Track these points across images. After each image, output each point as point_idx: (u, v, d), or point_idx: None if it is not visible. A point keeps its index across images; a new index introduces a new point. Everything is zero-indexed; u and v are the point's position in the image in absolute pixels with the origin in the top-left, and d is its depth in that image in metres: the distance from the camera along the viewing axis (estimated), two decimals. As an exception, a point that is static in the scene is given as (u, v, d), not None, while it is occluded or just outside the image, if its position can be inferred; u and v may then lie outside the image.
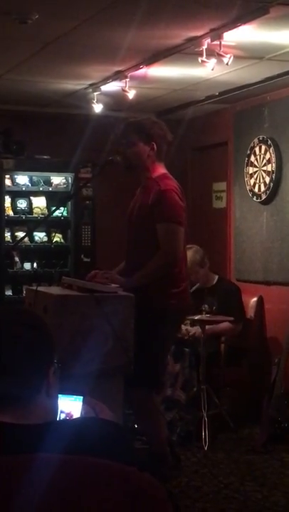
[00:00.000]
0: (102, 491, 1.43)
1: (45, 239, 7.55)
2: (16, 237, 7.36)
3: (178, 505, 1.51)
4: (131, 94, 6.17)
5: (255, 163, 6.86)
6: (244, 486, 4.93)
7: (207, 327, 5.98)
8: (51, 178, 7.57)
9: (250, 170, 6.94)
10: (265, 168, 6.72)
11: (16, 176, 7.49)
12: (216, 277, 6.50)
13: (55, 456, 1.48)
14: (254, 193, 6.87)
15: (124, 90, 6.12)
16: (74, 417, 1.98)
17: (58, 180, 7.58)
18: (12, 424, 1.60)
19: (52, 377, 1.70)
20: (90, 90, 6.59)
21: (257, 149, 6.83)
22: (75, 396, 2.03)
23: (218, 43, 4.83)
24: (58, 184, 7.59)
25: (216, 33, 4.77)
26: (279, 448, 5.64)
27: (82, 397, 2.06)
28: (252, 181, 6.91)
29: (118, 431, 1.60)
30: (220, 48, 4.87)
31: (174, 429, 5.68)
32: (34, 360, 1.66)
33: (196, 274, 6.22)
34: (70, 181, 7.55)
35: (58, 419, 1.80)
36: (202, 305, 5.97)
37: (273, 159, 6.58)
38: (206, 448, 5.58)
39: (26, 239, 7.27)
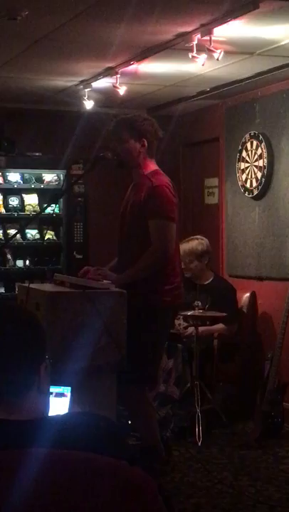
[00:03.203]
0: (92, 485, 1.43)
1: (38, 236, 7.55)
2: (8, 234, 7.36)
3: (168, 499, 1.51)
4: (122, 91, 6.17)
5: (247, 158, 6.87)
6: (238, 481, 4.94)
7: (202, 329, 5.98)
8: (43, 175, 7.57)
9: (242, 165, 6.94)
10: (256, 163, 6.72)
11: (7, 174, 7.48)
12: (212, 275, 6.50)
13: (45, 451, 1.48)
14: (246, 189, 6.88)
15: (115, 87, 6.12)
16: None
17: (49, 177, 7.58)
18: (3, 419, 1.61)
19: (43, 373, 1.70)
20: (81, 87, 6.58)
21: (248, 145, 6.84)
22: (63, 387, 2.04)
23: (209, 38, 4.83)
24: (49, 181, 7.59)
25: (206, 29, 4.77)
26: (272, 442, 5.66)
27: (70, 388, 2.07)
28: (244, 177, 6.92)
29: (108, 425, 1.61)
30: (210, 43, 4.86)
31: (167, 425, 5.68)
32: (25, 357, 1.67)
33: (189, 264, 6.22)
34: (61, 178, 7.54)
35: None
36: (194, 301, 5.97)
37: (265, 155, 6.59)
38: (199, 443, 5.58)
39: (18, 236, 7.28)
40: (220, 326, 6.22)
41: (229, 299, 6.37)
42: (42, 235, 7.54)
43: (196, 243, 6.35)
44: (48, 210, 7.30)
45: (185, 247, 6.12)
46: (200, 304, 5.93)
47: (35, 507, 1.42)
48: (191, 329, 6.05)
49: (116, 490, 1.42)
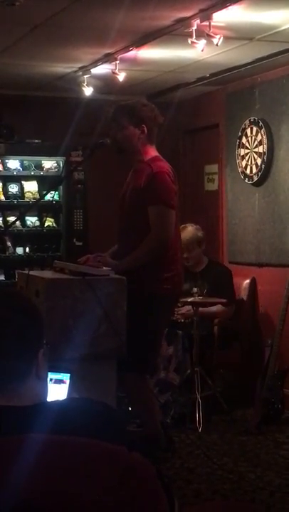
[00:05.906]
0: (91, 470, 1.43)
1: (37, 223, 7.55)
2: (7, 221, 7.36)
3: (168, 484, 1.51)
4: (121, 77, 6.15)
5: (247, 144, 6.85)
6: (238, 467, 4.95)
7: (200, 309, 5.98)
8: (42, 162, 7.56)
9: (242, 152, 6.93)
10: (256, 149, 6.71)
11: (6, 161, 7.47)
12: (207, 260, 6.50)
13: (44, 436, 1.48)
14: (246, 175, 6.86)
15: (114, 73, 6.10)
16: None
17: (49, 164, 7.57)
18: (2, 406, 1.61)
19: (41, 359, 1.70)
20: (80, 73, 6.56)
21: (248, 131, 6.82)
22: (62, 374, 2.04)
23: (208, 23, 4.80)
24: (49, 168, 7.57)
25: (205, 14, 4.74)
26: (272, 429, 5.67)
27: (69, 375, 2.07)
28: (244, 163, 6.90)
29: (108, 411, 1.60)
30: (209, 29, 4.84)
31: (167, 412, 5.69)
32: (24, 343, 1.67)
33: (191, 251, 6.23)
34: (61, 165, 7.53)
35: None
36: (192, 288, 5.95)
37: (265, 141, 6.57)
38: (199, 430, 5.59)
39: (18, 223, 7.27)
40: (217, 306, 6.22)
41: (225, 282, 6.36)
42: (42, 222, 7.53)
43: (193, 230, 6.33)
44: (48, 197, 7.30)
45: (184, 236, 6.08)
46: (198, 290, 5.92)
47: (34, 492, 1.42)
48: (185, 308, 6.05)
49: (115, 475, 1.42)
